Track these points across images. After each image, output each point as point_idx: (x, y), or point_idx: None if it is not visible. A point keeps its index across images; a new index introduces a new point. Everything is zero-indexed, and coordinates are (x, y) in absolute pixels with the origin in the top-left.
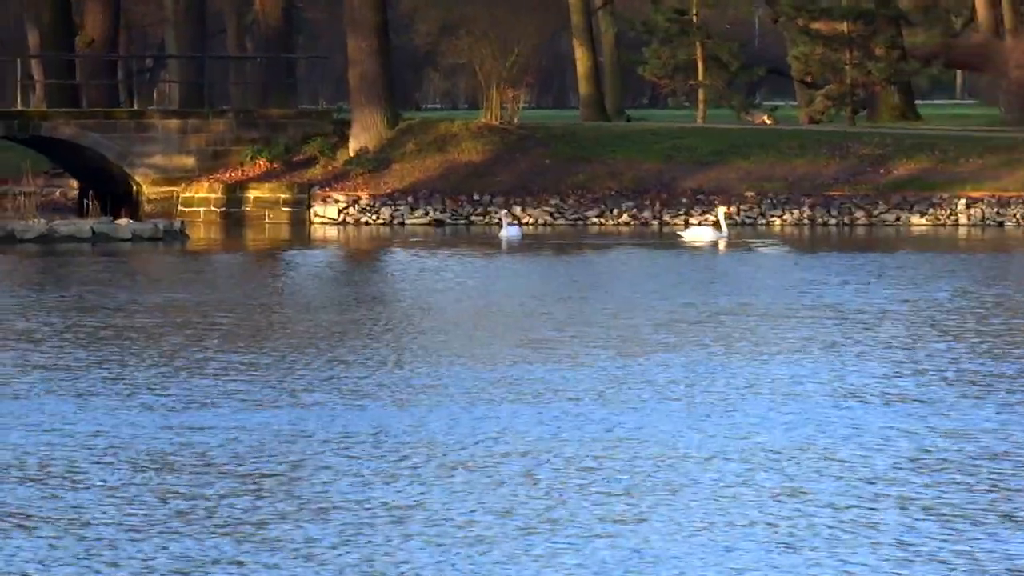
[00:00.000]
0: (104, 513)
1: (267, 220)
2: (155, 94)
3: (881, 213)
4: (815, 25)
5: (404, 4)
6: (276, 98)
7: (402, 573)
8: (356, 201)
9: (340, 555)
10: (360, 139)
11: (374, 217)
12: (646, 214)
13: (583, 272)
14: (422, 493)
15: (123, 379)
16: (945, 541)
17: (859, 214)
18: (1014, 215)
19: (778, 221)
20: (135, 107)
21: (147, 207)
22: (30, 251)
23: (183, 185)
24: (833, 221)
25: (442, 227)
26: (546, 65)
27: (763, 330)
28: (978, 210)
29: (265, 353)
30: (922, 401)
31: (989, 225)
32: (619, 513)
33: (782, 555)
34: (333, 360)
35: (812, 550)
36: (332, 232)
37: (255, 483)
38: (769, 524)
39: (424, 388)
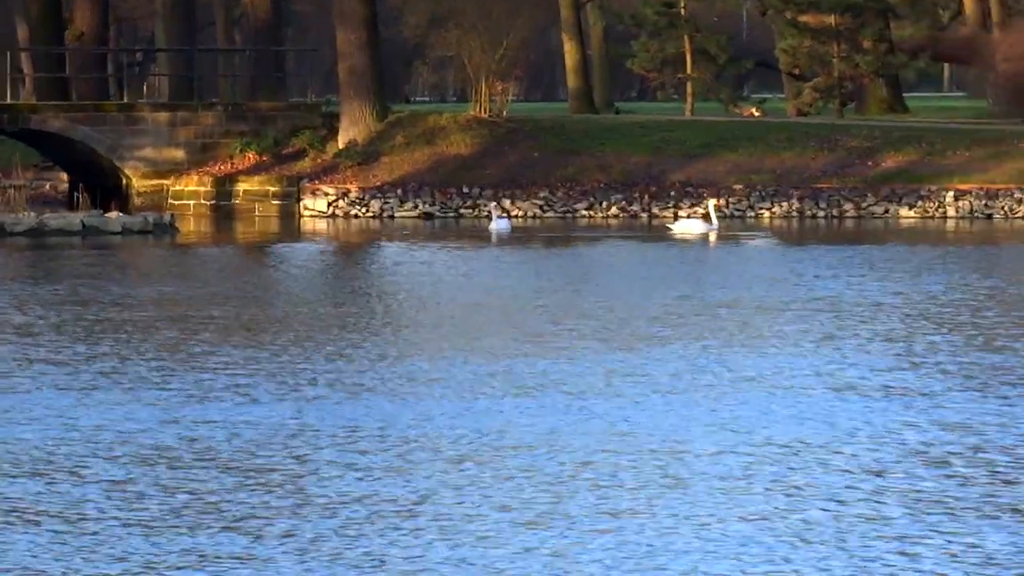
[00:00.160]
0: (108, 507)
1: (256, 213)
2: (144, 87)
3: (869, 205)
4: (803, 18)
5: None
6: (265, 91)
7: (412, 568)
8: (345, 194)
9: (347, 550)
10: (349, 132)
11: (363, 210)
12: (635, 207)
13: (574, 265)
14: (428, 488)
15: (122, 373)
16: (951, 533)
17: (847, 206)
18: (1002, 207)
19: (767, 214)
20: (124, 100)
21: (137, 200)
22: (20, 244)
23: (173, 178)
24: (822, 214)
25: (431, 220)
26: (535, 58)
27: (758, 323)
28: (966, 202)
29: (262, 347)
30: (922, 394)
31: (977, 217)
32: (624, 507)
33: (786, 549)
34: (331, 354)
35: (820, 543)
36: (322, 225)
37: (259, 478)
38: (772, 517)
39: (424, 382)
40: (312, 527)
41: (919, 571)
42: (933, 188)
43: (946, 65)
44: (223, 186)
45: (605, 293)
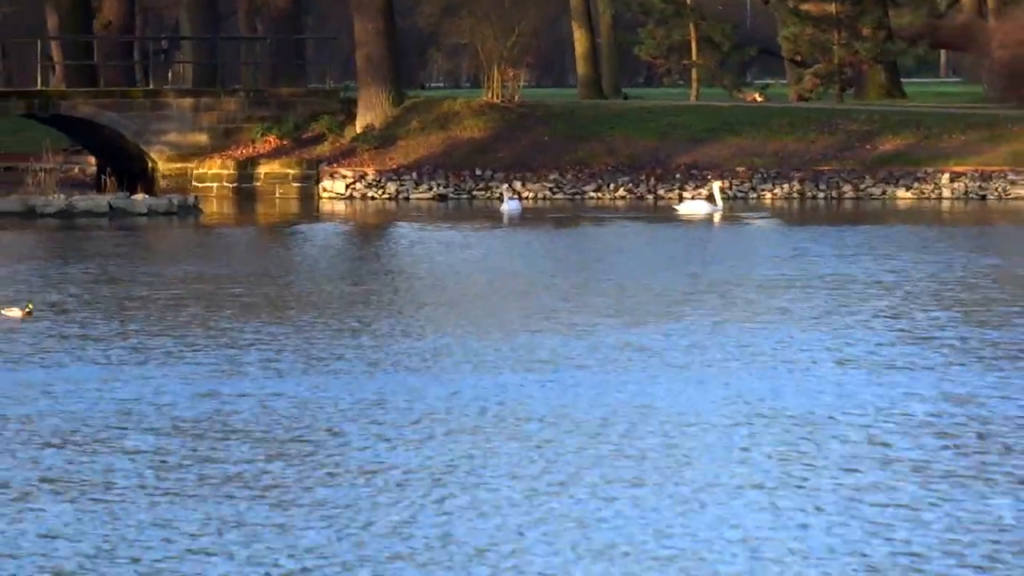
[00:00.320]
0: (136, 477)
1: (277, 195)
2: (169, 74)
3: (868, 187)
4: (805, 6)
5: None
6: (286, 78)
7: (413, 534)
8: (363, 176)
9: (354, 516)
10: (366, 117)
11: (380, 192)
12: (641, 189)
13: (584, 245)
14: (431, 457)
15: (150, 348)
16: (930, 502)
17: (847, 188)
18: (996, 189)
19: (769, 195)
20: (150, 86)
21: (162, 183)
22: (50, 225)
23: (196, 161)
24: (822, 195)
25: (445, 201)
26: (546, 46)
27: (763, 300)
28: (961, 184)
29: (284, 323)
30: (925, 367)
31: (972, 198)
32: (623, 477)
33: (799, 516)
34: (351, 330)
35: (830, 511)
36: (340, 206)
37: (273, 448)
38: (764, 487)
39: (445, 357)
40: (341, 496)
41: (926, 537)
42: (929, 170)
43: (943, 52)
44: (245, 169)
45: (614, 272)
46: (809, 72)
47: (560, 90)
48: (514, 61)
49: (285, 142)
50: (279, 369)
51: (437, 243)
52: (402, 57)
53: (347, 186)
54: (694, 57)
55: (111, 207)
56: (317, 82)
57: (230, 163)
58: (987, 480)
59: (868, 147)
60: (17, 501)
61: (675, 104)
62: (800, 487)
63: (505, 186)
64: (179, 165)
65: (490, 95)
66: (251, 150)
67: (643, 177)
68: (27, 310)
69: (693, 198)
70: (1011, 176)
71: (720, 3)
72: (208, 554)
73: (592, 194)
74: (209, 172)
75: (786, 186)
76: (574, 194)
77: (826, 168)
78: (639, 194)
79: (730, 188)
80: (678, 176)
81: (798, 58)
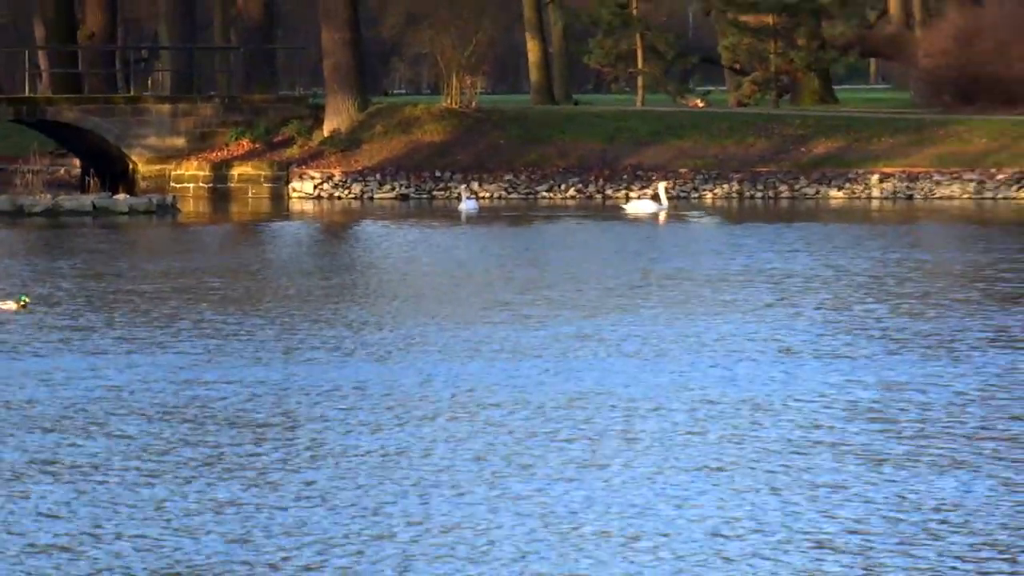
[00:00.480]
0: (122, 460)
1: (250, 195)
2: (149, 82)
3: (802, 187)
4: (743, 18)
5: None
6: (258, 85)
7: (391, 513)
8: (330, 177)
9: (335, 497)
10: (333, 121)
11: (346, 192)
12: (591, 189)
13: (537, 241)
14: (404, 441)
15: (133, 339)
16: (875, 483)
17: (782, 188)
18: (922, 189)
19: (710, 195)
20: (131, 93)
21: (142, 183)
22: (38, 223)
23: (174, 163)
24: (759, 195)
25: (407, 201)
26: (501, 54)
27: (705, 293)
28: (890, 184)
29: (261, 315)
30: (853, 357)
31: (899, 198)
32: (584, 459)
33: (730, 497)
34: (325, 321)
35: (757, 492)
36: (308, 206)
37: (257, 432)
38: (718, 469)
39: (405, 346)
40: (321, 477)
41: (847, 518)
42: (860, 171)
43: (872, 60)
44: (220, 170)
45: (568, 266)
46: (747, 79)
47: (515, 96)
48: (471, 69)
49: (257, 145)
50: (258, 358)
51: (400, 240)
52: (367, 66)
53: (315, 187)
54: (640, 65)
55: (95, 206)
56: (287, 89)
57: (206, 165)
58: (926, 461)
59: (803, 150)
60: (14, 482)
61: (622, 109)
62: (752, 468)
63: (463, 186)
64: (158, 167)
65: (449, 101)
66: (225, 153)
67: (592, 178)
68: (22, 303)
69: (639, 197)
70: (936, 177)
71: (664, 15)
72: (196, 533)
73: (544, 194)
74: (186, 173)
75: (726, 186)
76: (528, 194)
77: (763, 169)
78: (588, 194)
79: (674, 188)
80: (625, 177)
81: (737, 66)
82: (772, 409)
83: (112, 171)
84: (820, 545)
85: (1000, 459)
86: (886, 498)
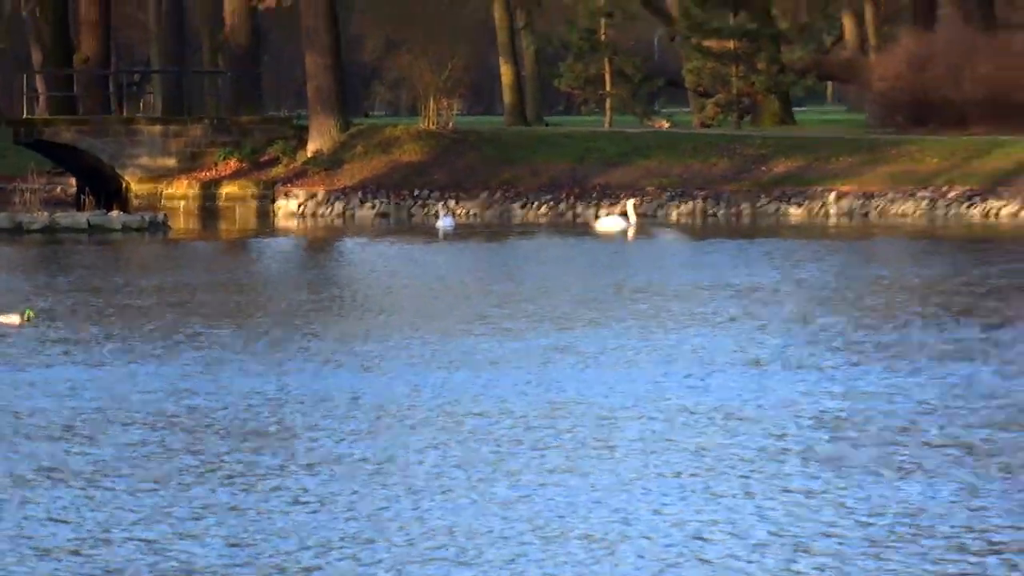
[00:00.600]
0: (126, 467)
1: (237, 212)
2: (141, 104)
3: (763, 205)
4: (707, 43)
5: (354, 25)
6: (245, 107)
7: (385, 518)
8: (313, 196)
9: (330, 502)
10: (316, 142)
11: (329, 210)
12: (562, 206)
13: (512, 257)
14: (394, 449)
15: (131, 351)
16: (845, 488)
17: (744, 206)
18: (876, 206)
19: (675, 212)
20: (124, 115)
21: (135, 202)
22: (36, 240)
23: (165, 182)
24: (722, 212)
25: (387, 218)
26: (476, 78)
27: (674, 306)
28: (846, 202)
29: (251, 327)
30: (818, 368)
31: (856, 215)
32: (567, 466)
33: (705, 502)
34: (312, 333)
35: (732, 497)
36: (293, 223)
37: (253, 440)
38: (693, 475)
39: (391, 358)
40: (298, 483)
41: (819, 521)
42: (818, 189)
43: (829, 83)
44: (208, 189)
45: (541, 281)
46: (711, 102)
47: (489, 118)
48: (448, 92)
49: (244, 165)
50: (250, 368)
51: (381, 256)
52: (348, 89)
53: (299, 204)
54: (608, 88)
55: (90, 224)
56: (273, 111)
57: (195, 184)
58: (873, 469)
59: (763, 169)
60: (21, 489)
61: (591, 130)
62: (725, 474)
63: (441, 204)
64: (150, 186)
65: (427, 122)
66: (214, 172)
67: (563, 196)
68: (27, 317)
69: (608, 215)
70: (890, 195)
71: (631, 40)
72: (199, 536)
73: (518, 211)
74: (177, 192)
75: (691, 204)
76: (502, 211)
77: (726, 188)
78: (560, 211)
79: (641, 205)
80: (595, 195)
81: (701, 89)
82: (743, 418)
83: (106, 190)
84: (795, 548)
85: (961, 465)
86: (855, 502)
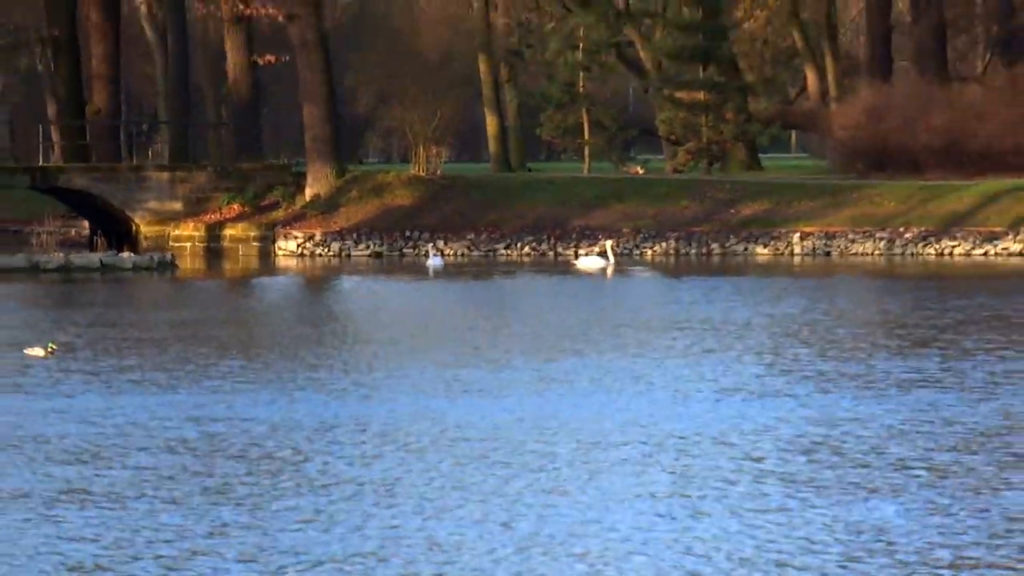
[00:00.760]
0: (142, 488)
1: (240, 253)
2: (150, 152)
3: (732, 245)
4: (678, 95)
5: (348, 79)
6: (246, 155)
7: (386, 536)
8: (311, 237)
9: (333, 521)
10: (314, 187)
11: (326, 250)
12: (544, 247)
13: (498, 294)
14: (394, 471)
15: (147, 381)
16: (821, 508)
17: (714, 246)
18: (838, 246)
19: (649, 252)
20: (134, 163)
21: (144, 243)
22: (52, 279)
23: (173, 225)
24: (693, 251)
25: (380, 258)
26: (463, 128)
27: (652, 338)
28: (810, 242)
29: (255, 359)
30: (791, 395)
31: (819, 254)
32: (554, 487)
33: (690, 521)
34: (311, 365)
35: (713, 516)
36: (292, 262)
37: (261, 464)
38: (669, 496)
39: (390, 386)
40: (308, 503)
41: (797, 537)
42: (783, 231)
43: (793, 132)
44: (213, 231)
45: (526, 316)
46: (682, 149)
47: (475, 165)
48: (437, 141)
49: (246, 209)
50: (259, 397)
51: (375, 293)
52: (343, 138)
53: (298, 245)
54: (586, 137)
55: (102, 263)
56: (273, 159)
57: (201, 226)
58: (847, 490)
59: (732, 211)
60: (46, 509)
61: (571, 176)
62: (690, 495)
63: (430, 245)
64: (158, 228)
65: (417, 169)
66: (218, 215)
67: (545, 237)
68: (50, 349)
69: (588, 254)
70: (851, 236)
71: (608, 92)
72: (211, 553)
73: (503, 251)
74: (183, 234)
75: (664, 244)
76: (488, 251)
77: (697, 229)
78: (542, 251)
79: (618, 246)
80: (574, 236)
81: (673, 138)
82: (723, 442)
83: (117, 232)
84: (777, 564)
85: (925, 485)
86: (811, 521)
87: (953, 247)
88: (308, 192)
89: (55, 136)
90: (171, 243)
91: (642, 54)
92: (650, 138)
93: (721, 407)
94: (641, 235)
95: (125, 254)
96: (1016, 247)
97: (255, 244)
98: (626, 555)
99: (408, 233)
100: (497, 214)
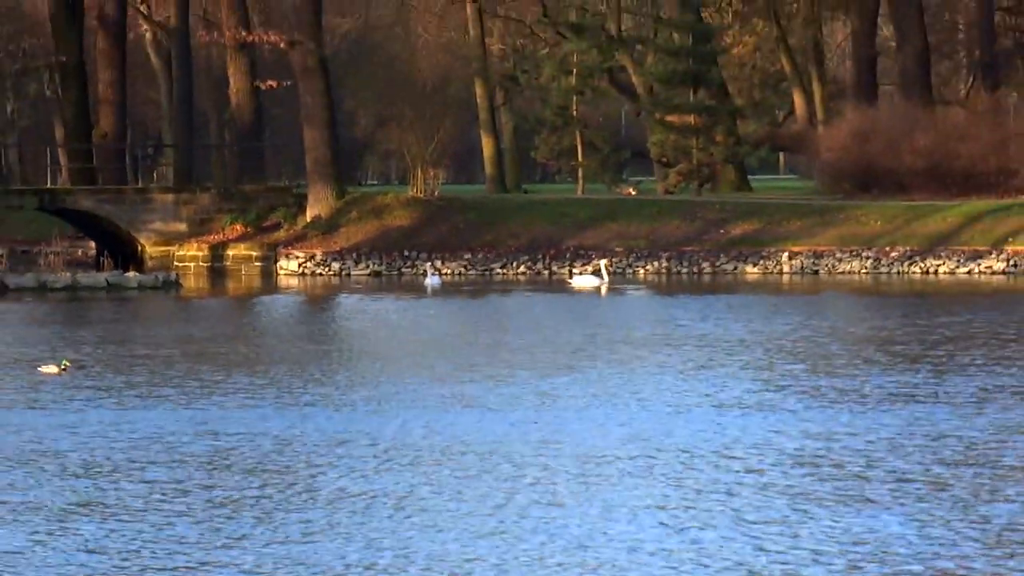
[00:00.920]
0: (149, 501)
1: (243, 272)
2: (155, 175)
3: (722, 264)
4: (669, 118)
5: (348, 103)
6: (249, 177)
7: (385, 546)
8: (312, 257)
9: (334, 532)
10: (315, 208)
11: (326, 269)
12: (539, 266)
13: (495, 311)
14: (395, 484)
15: (156, 396)
16: (825, 520)
17: (705, 265)
18: (826, 265)
19: (642, 271)
20: (139, 185)
21: (149, 263)
22: (59, 297)
23: (177, 245)
24: (685, 270)
25: (379, 277)
26: (460, 150)
27: (648, 354)
28: (798, 261)
29: (261, 375)
30: (787, 410)
31: (807, 273)
32: (550, 500)
33: (690, 531)
34: (315, 380)
35: (716, 527)
36: (294, 281)
37: (265, 477)
38: (676, 507)
39: (389, 402)
40: (320, 516)
41: (798, 548)
42: (772, 250)
43: (781, 154)
44: (216, 251)
45: (522, 333)
46: (673, 171)
47: (472, 186)
48: (434, 163)
49: (249, 229)
50: (261, 413)
51: (375, 310)
52: (343, 160)
53: (299, 265)
54: (580, 159)
55: (108, 283)
56: (274, 181)
57: (204, 246)
58: (847, 502)
59: (722, 231)
60: (55, 521)
61: (565, 197)
62: (693, 507)
63: (428, 264)
64: (163, 248)
65: (415, 190)
66: (221, 236)
67: (540, 256)
68: (63, 367)
69: (581, 273)
70: (838, 254)
71: (601, 115)
72: (216, 565)
73: (499, 270)
74: (187, 254)
75: (656, 263)
76: (484, 270)
77: (688, 248)
78: (537, 270)
79: (611, 265)
80: (568, 255)
81: (664, 159)
82: (711, 455)
83: (123, 252)
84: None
85: (909, 498)
86: (811, 532)
87: (938, 266)
88: (309, 213)
89: (63, 159)
90: (175, 263)
91: (634, 79)
92: (642, 160)
93: (720, 421)
94: (634, 254)
95: (130, 274)
96: (999, 266)
97: (257, 264)
98: (638, 566)
99: (406, 253)
100: (493, 234)
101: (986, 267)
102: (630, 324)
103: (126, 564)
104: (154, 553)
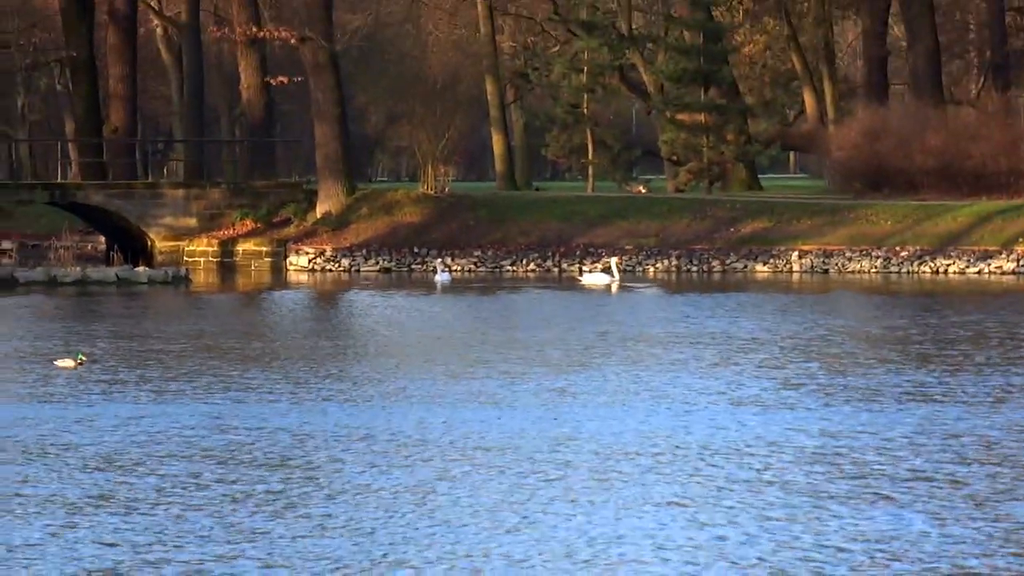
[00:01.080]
0: (165, 495)
1: (253, 268)
2: (165, 170)
3: (732, 262)
4: (680, 116)
5: (359, 99)
6: (259, 173)
7: (402, 541)
8: (322, 253)
9: (351, 527)
10: (325, 204)
11: (336, 265)
12: (548, 263)
13: (505, 308)
14: (411, 479)
15: (169, 391)
16: (823, 518)
17: (715, 263)
18: (836, 264)
19: (652, 269)
20: (150, 180)
21: (159, 258)
22: (69, 292)
23: (187, 240)
24: (695, 268)
25: (389, 273)
26: (470, 147)
27: (661, 352)
28: (808, 260)
29: (275, 370)
30: (805, 408)
31: (816, 272)
32: (568, 496)
33: (697, 529)
34: (330, 376)
35: (735, 523)
36: (304, 277)
37: (280, 471)
38: (680, 504)
39: (402, 397)
40: (340, 510)
41: (823, 546)
42: (782, 248)
43: (792, 153)
44: (226, 247)
45: (534, 330)
46: (684, 169)
47: (482, 183)
48: (445, 160)
49: (259, 225)
50: (277, 407)
51: (385, 307)
52: (354, 156)
53: (309, 261)
54: (590, 156)
55: (118, 277)
56: (285, 177)
57: (214, 242)
58: (864, 499)
59: (732, 230)
60: (72, 514)
61: (575, 195)
62: (713, 504)
63: (438, 261)
64: (173, 243)
65: (425, 187)
66: (231, 231)
67: (550, 253)
68: (80, 361)
69: (592, 271)
70: (848, 253)
71: (611, 113)
72: (232, 559)
73: (508, 267)
74: (198, 249)
75: (666, 261)
76: (494, 267)
77: (698, 247)
78: (547, 267)
79: (621, 263)
80: (578, 253)
81: (675, 158)
82: (731, 452)
83: (133, 247)
84: (782, 571)
85: (928, 496)
86: (833, 530)
87: (948, 265)
88: (319, 209)
89: (73, 154)
90: (185, 258)
91: (645, 77)
92: (652, 158)
93: (738, 419)
94: (644, 252)
95: (140, 268)
96: (1009, 266)
97: (267, 259)
98: (663, 562)
99: (416, 249)
100: (503, 231)
101: (996, 267)
102: (642, 322)
103: (143, 557)
104: (170, 546)
